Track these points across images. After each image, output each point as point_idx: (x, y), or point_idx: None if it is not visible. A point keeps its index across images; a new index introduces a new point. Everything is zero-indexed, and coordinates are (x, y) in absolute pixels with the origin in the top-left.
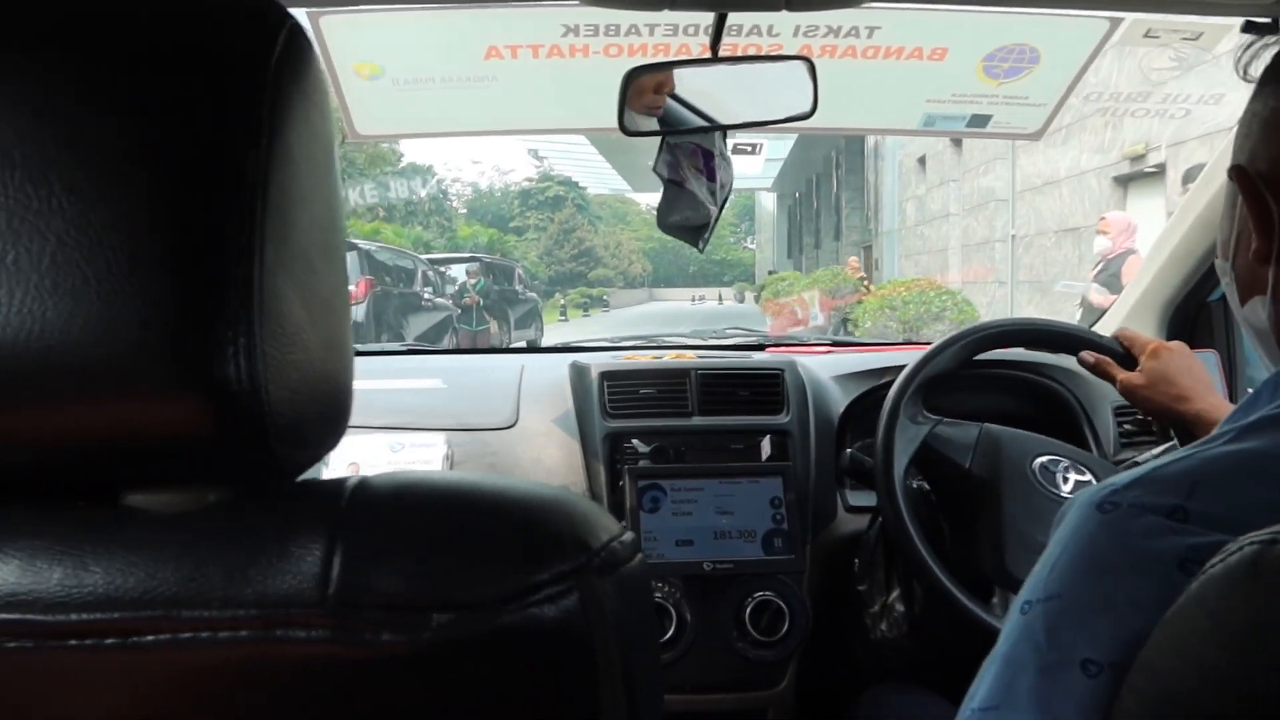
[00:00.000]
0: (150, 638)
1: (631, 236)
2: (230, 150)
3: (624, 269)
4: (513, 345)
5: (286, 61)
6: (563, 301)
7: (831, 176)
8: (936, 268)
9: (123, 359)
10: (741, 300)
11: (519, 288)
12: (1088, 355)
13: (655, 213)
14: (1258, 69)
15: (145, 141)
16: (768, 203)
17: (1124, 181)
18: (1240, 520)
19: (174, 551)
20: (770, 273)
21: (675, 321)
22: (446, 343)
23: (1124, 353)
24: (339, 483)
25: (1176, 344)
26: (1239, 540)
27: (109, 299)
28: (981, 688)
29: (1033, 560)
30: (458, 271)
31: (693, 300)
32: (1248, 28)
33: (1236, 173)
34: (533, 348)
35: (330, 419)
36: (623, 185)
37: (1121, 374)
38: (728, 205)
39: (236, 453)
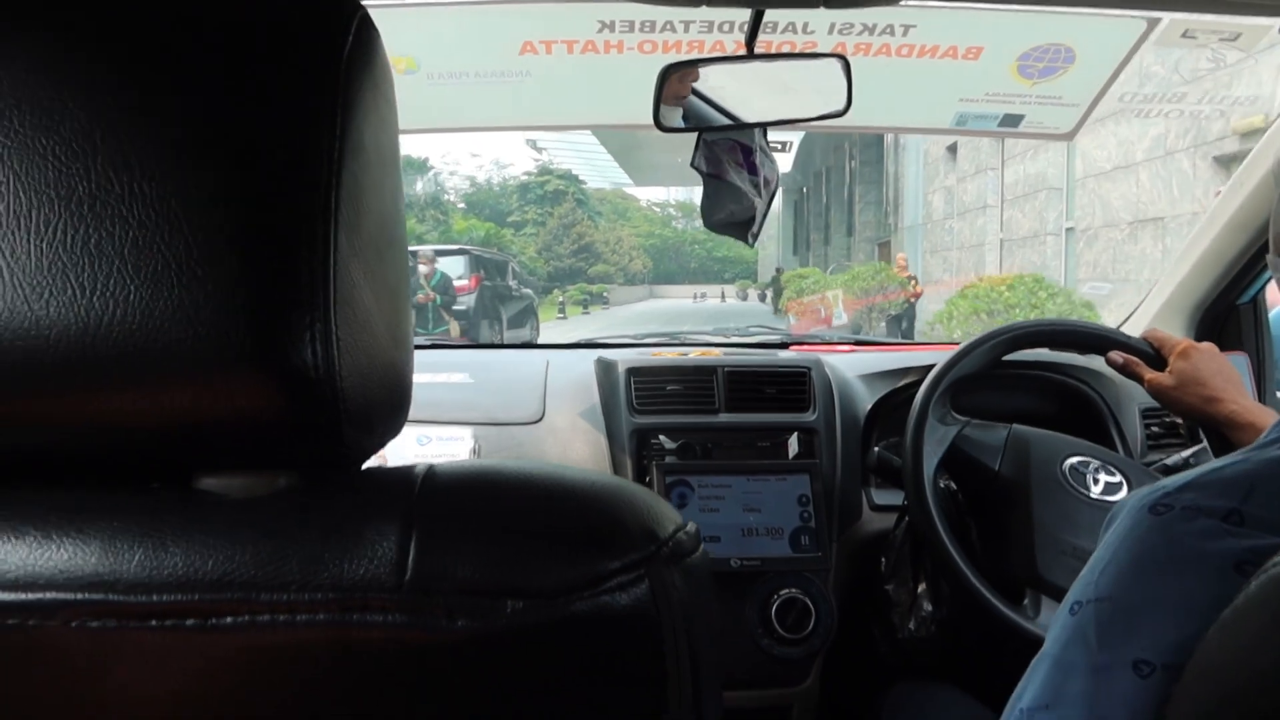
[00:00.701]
0: (229, 619)
1: (632, 232)
2: (306, 138)
3: (624, 265)
4: (537, 341)
5: (358, 51)
6: (561, 298)
7: (844, 169)
8: (970, 265)
9: (202, 342)
10: (745, 298)
11: (513, 283)
12: (1116, 355)
13: (656, 208)
14: None
15: (223, 129)
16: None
17: (1227, 162)
18: None
19: (251, 535)
20: (778, 270)
21: (679, 320)
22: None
23: (1153, 353)
24: (408, 470)
25: (1206, 345)
26: None
27: (188, 283)
28: (1030, 687)
29: (1064, 562)
30: (446, 265)
31: (694, 298)
32: None
33: None
34: (557, 344)
35: (395, 405)
36: (624, 179)
37: (1150, 374)
38: None
39: (309, 436)
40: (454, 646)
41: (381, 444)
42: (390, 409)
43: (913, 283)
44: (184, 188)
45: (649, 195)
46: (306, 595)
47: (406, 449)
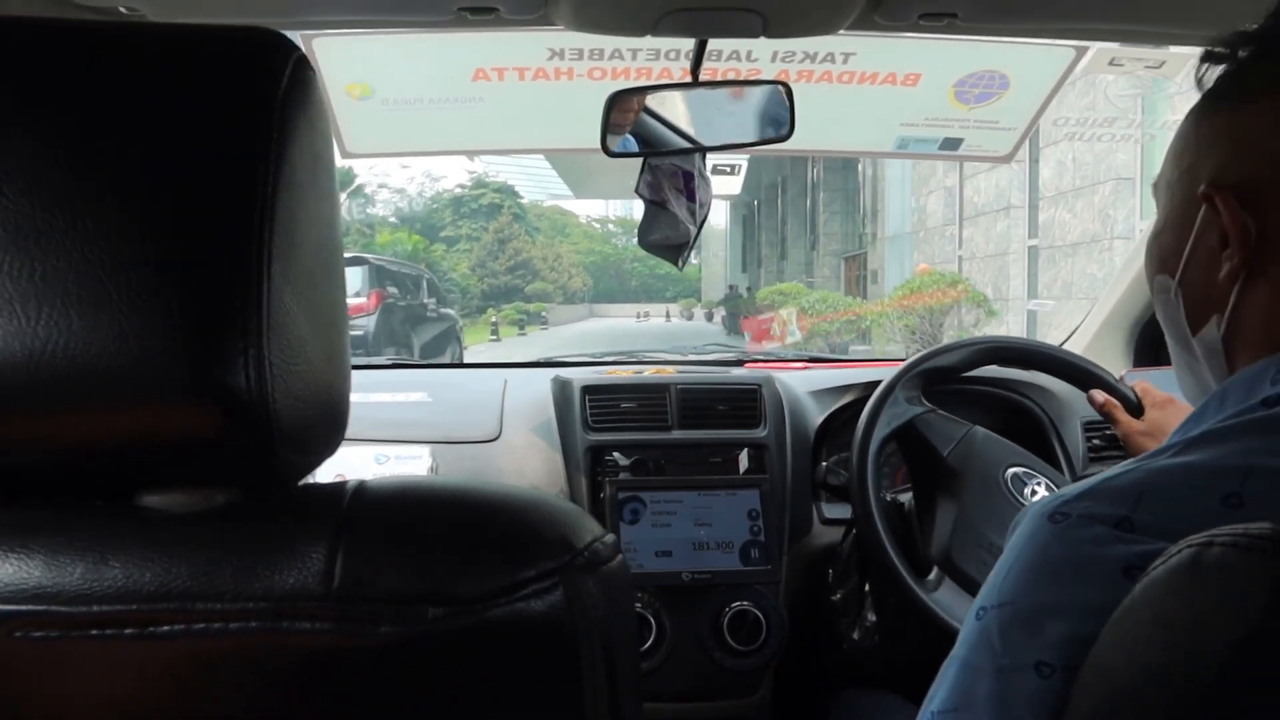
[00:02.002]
0: (166, 628)
1: (571, 249)
2: (241, 175)
3: (563, 283)
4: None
5: (293, 91)
6: (494, 318)
7: (803, 179)
8: (989, 278)
9: (141, 368)
10: (690, 317)
11: (428, 301)
12: (1098, 394)
13: (596, 224)
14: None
15: (163, 166)
16: (717, 213)
17: None
18: (1182, 529)
19: (188, 549)
20: (731, 288)
21: (623, 342)
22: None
23: (1135, 401)
24: (339, 486)
25: (1185, 404)
26: (1178, 544)
27: (128, 312)
28: (940, 691)
29: (977, 554)
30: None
31: (638, 317)
32: (1208, 56)
33: (1213, 190)
34: (515, 363)
35: (330, 426)
36: (564, 191)
37: (1125, 419)
38: None
39: (244, 456)
40: (379, 652)
41: (318, 463)
42: (325, 429)
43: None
44: (125, 223)
45: (589, 211)
46: (239, 604)
47: (365, 468)
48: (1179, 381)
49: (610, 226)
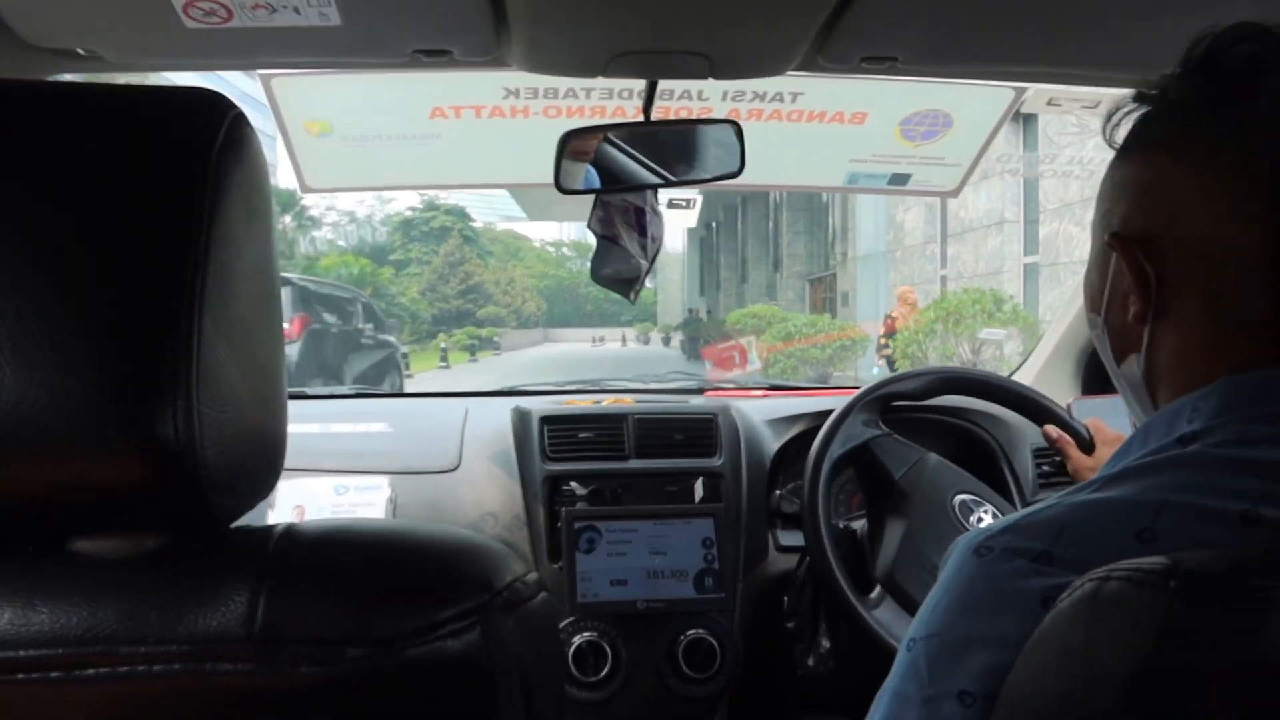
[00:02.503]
0: (91, 671)
1: (525, 273)
2: (173, 231)
3: (517, 307)
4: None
5: (228, 150)
6: (444, 344)
7: (764, 198)
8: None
9: (73, 419)
10: (646, 342)
11: (364, 327)
12: (1051, 430)
13: (550, 248)
14: (1121, 135)
15: (97, 224)
16: (674, 236)
17: None
18: (1097, 562)
19: (116, 593)
20: (690, 312)
21: (579, 368)
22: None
23: (1087, 438)
24: (268, 529)
25: None
26: (1082, 577)
27: (62, 366)
28: (874, 719)
29: (920, 575)
30: None
31: (593, 342)
32: (1138, 97)
33: (1115, 240)
34: (477, 392)
35: (263, 470)
36: (517, 213)
37: (1076, 455)
38: None
39: (173, 502)
40: (300, 692)
41: (250, 505)
42: (257, 473)
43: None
44: (60, 279)
45: (542, 234)
46: (163, 647)
47: (325, 499)
48: (1127, 408)
49: (565, 250)
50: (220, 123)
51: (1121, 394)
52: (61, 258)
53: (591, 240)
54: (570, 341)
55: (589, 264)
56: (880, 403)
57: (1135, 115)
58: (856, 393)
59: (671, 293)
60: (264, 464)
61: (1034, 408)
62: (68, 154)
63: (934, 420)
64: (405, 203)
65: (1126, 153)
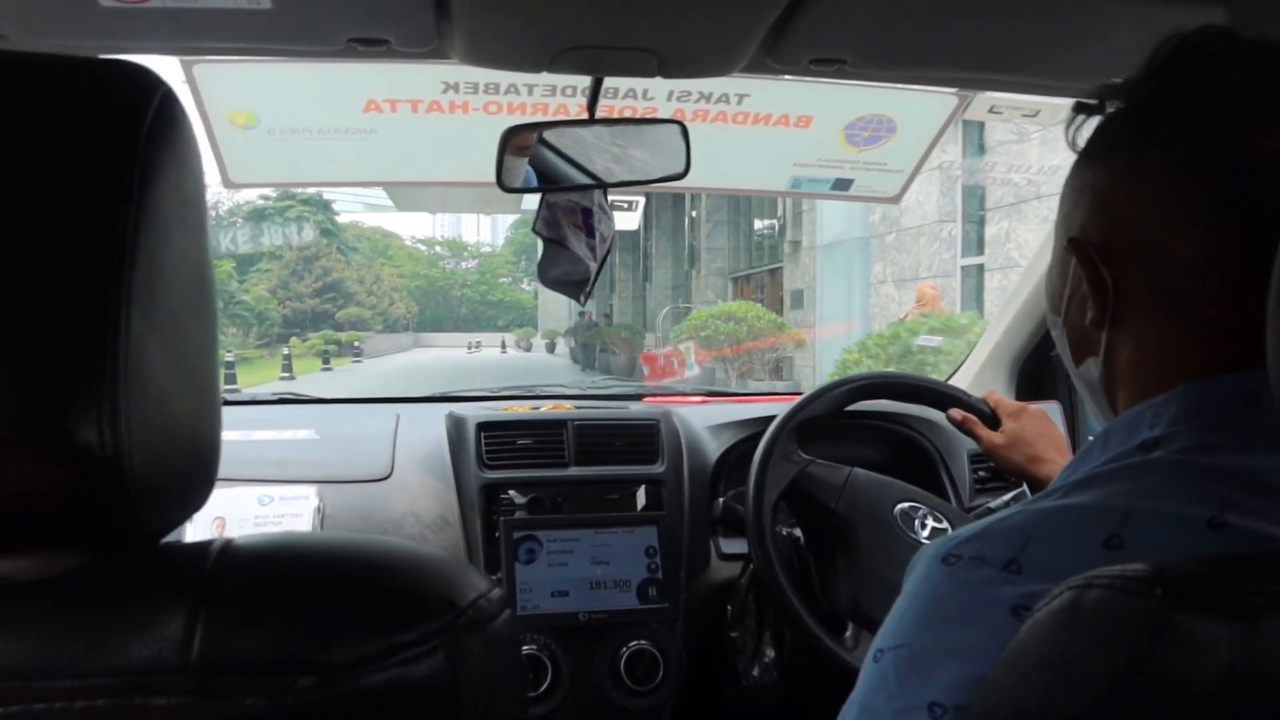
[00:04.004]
0: (3, 709)
1: (394, 271)
2: (97, 217)
3: (383, 309)
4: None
5: (158, 128)
6: (286, 350)
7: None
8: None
9: None
10: (528, 349)
11: None
12: (955, 413)
13: (421, 246)
14: (1083, 139)
15: (14, 208)
16: None
17: None
18: (1066, 570)
19: (30, 620)
20: (586, 316)
21: (453, 380)
22: None
23: (990, 413)
24: (204, 546)
25: (1037, 409)
26: (1060, 586)
27: None
28: None
29: (887, 600)
30: None
31: (469, 348)
32: (1078, 108)
33: (1074, 245)
34: (408, 398)
35: (197, 479)
36: (384, 202)
37: (984, 433)
38: (503, 240)
39: (97, 516)
40: None
41: (181, 518)
42: (190, 483)
43: None
44: None
45: (414, 230)
46: (85, 680)
47: (247, 509)
48: (1061, 413)
49: (438, 249)
50: (150, 99)
51: (1080, 394)
52: None
53: (467, 238)
54: (443, 347)
55: (466, 262)
56: (796, 432)
57: (1096, 119)
58: (772, 427)
59: (552, 295)
60: (197, 474)
61: (934, 395)
62: None
63: (870, 426)
64: (259, 190)
65: (1087, 156)
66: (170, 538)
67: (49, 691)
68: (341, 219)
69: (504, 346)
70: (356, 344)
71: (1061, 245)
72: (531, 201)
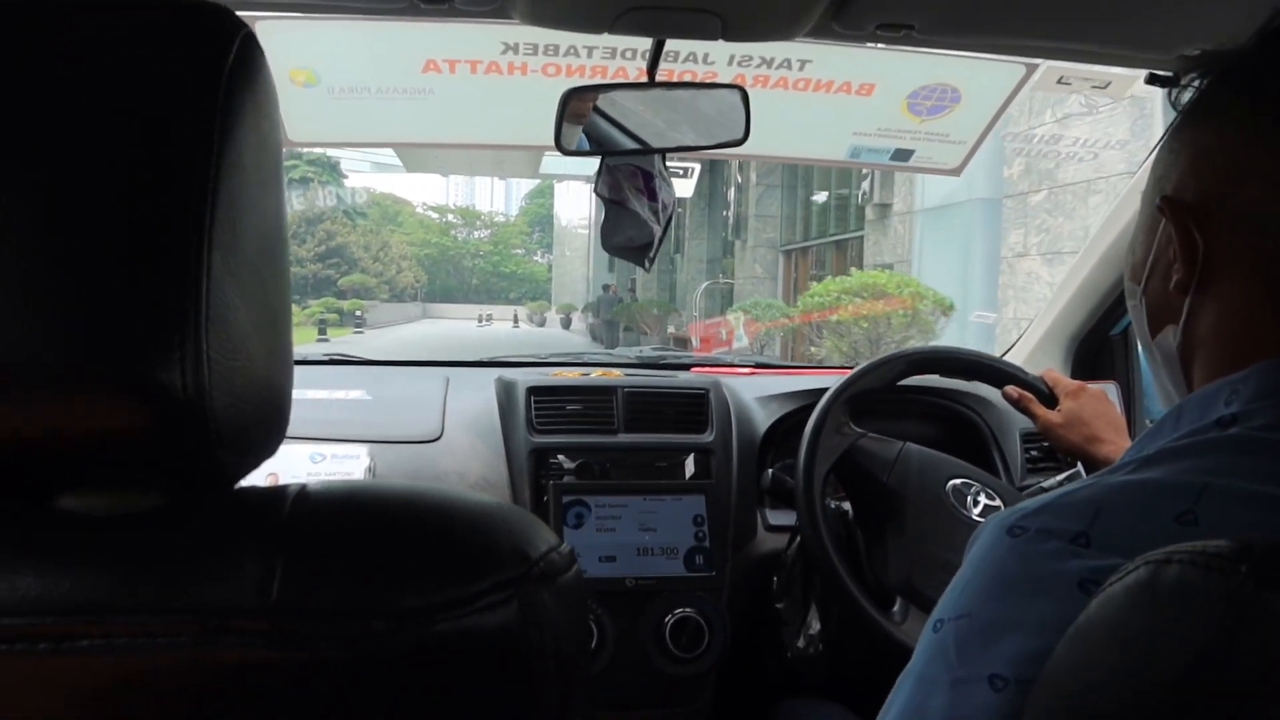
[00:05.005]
0: (84, 642)
1: (403, 239)
2: (181, 158)
3: (390, 277)
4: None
5: (239, 70)
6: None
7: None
8: None
9: (69, 360)
10: (542, 322)
11: None
12: (1012, 390)
13: (433, 214)
14: (1185, 99)
15: (98, 149)
16: (579, 199)
17: None
18: (1137, 545)
19: (110, 556)
20: (610, 290)
21: (462, 353)
22: None
23: (1048, 392)
24: (279, 490)
25: (1096, 388)
26: (1136, 560)
27: (55, 300)
28: (896, 702)
29: (936, 575)
30: None
31: (479, 321)
32: (1151, 80)
33: (1167, 204)
34: (457, 362)
35: (271, 426)
36: (393, 160)
37: (1042, 411)
38: (517, 210)
39: (176, 458)
40: (319, 668)
41: (257, 464)
42: (266, 430)
43: None
44: (59, 210)
45: (425, 197)
46: (166, 617)
47: (300, 467)
48: (1154, 385)
49: (450, 217)
50: (231, 40)
51: (1152, 368)
52: (58, 182)
53: (480, 206)
54: (452, 319)
55: (479, 231)
56: (850, 404)
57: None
58: (825, 399)
59: (569, 268)
60: (272, 421)
61: (990, 372)
62: (61, 66)
63: (919, 401)
64: None
65: (1188, 117)
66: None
67: (131, 626)
68: (349, 181)
69: (516, 320)
70: (359, 313)
71: (1148, 210)
72: (548, 167)
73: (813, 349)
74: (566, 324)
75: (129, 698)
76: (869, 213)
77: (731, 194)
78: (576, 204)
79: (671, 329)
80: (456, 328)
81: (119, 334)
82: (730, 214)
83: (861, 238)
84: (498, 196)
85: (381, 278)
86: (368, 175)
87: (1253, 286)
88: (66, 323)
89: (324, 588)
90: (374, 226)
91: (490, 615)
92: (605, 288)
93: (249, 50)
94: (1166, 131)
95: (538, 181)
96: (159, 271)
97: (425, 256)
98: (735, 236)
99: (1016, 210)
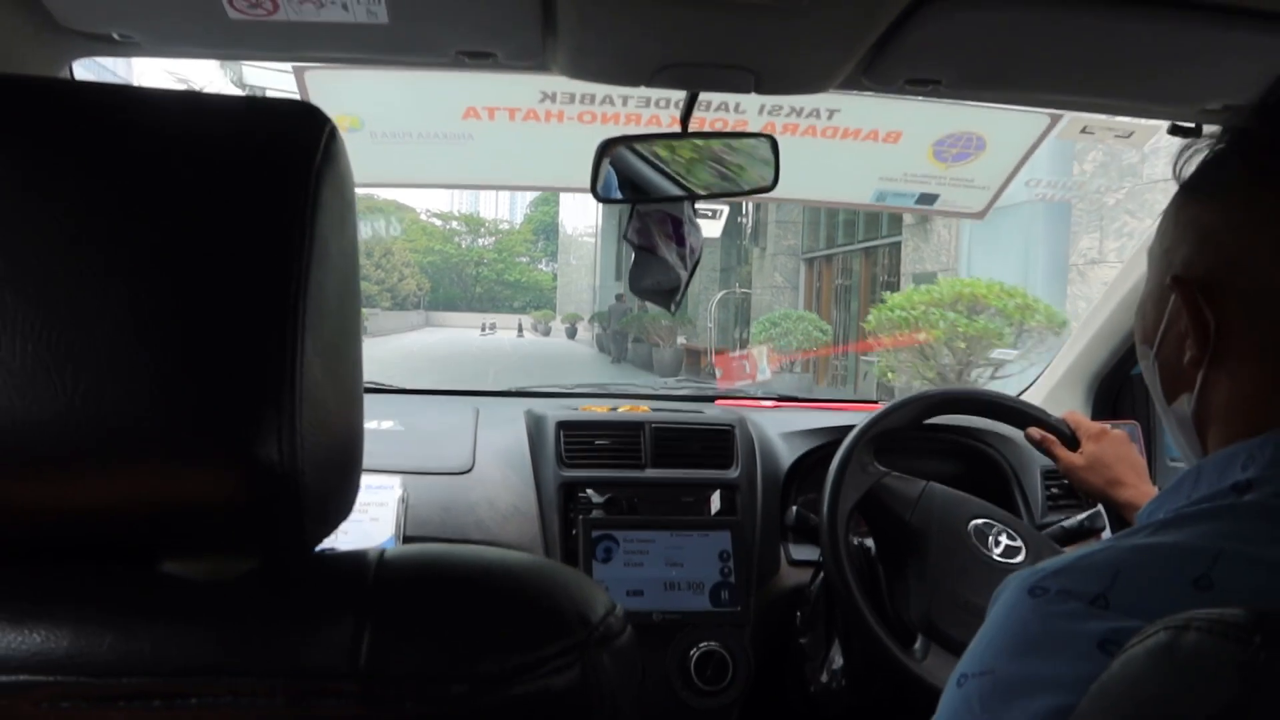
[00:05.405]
0: (194, 700)
1: (406, 246)
2: (276, 247)
3: (392, 285)
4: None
5: (326, 163)
6: None
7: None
8: None
9: (175, 435)
10: (547, 332)
11: None
12: (1035, 431)
13: (437, 220)
14: (1189, 172)
15: (200, 237)
16: (585, 210)
17: None
18: (1154, 608)
19: (215, 619)
20: (622, 300)
21: (462, 364)
22: None
23: (1070, 434)
24: (361, 555)
25: (1118, 432)
26: (1156, 625)
27: (165, 380)
28: None
29: (956, 614)
30: None
31: (482, 330)
32: (1174, 130)
33: (1176, 283)
34: (485, 391)
35: (349, 490)
36: None
37: (1064, 453)
38: (521, 218)
39: (270, 526)
40: None
41: (335, 527)
42: (344, 497)
43: None
44: (161, 293)
45: (429, 204)
46: (266, 680)
47: None
48: (1172, 439)
49: (454, 224)
50: (319, 135)
51: (1169, 430)
52: (162, 270)
53: (484, 214)
54: (455, 327)
55: (484, 239)
56: (874, 442)
57: (1204, 153)
58: (850, 437)
59: (576, 277)
60: (349, 485)
61: (1012, 413)
62: (167, 163)
63: (941, 439)
64: None
65: (1193, 191)
66: None
67: (235, 687)
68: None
69: (520, 330)
70: (363, 322)
71: (1161, 280)
72: (552, 179)
73: (889, 376)
74: (572, 334)
75: None
76: (908, 216)
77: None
78: (582, 212)
79: (683, 339)
80: (459, 337)
81: (225, 411)
82: (748, 220)
83: (893, 244)
84: (502, 204)
85: (383, 285)
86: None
87: (1266, 362)
88: (178, 399)
89: (408, 653)
90: (376, 234)
91: (557, 678)
92: (618, 297)
93: (334, 144)
94: (1172, 203)
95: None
96: (259, 355)
97: (429, 264)
98: (753, 243)
99: (1089, 211)
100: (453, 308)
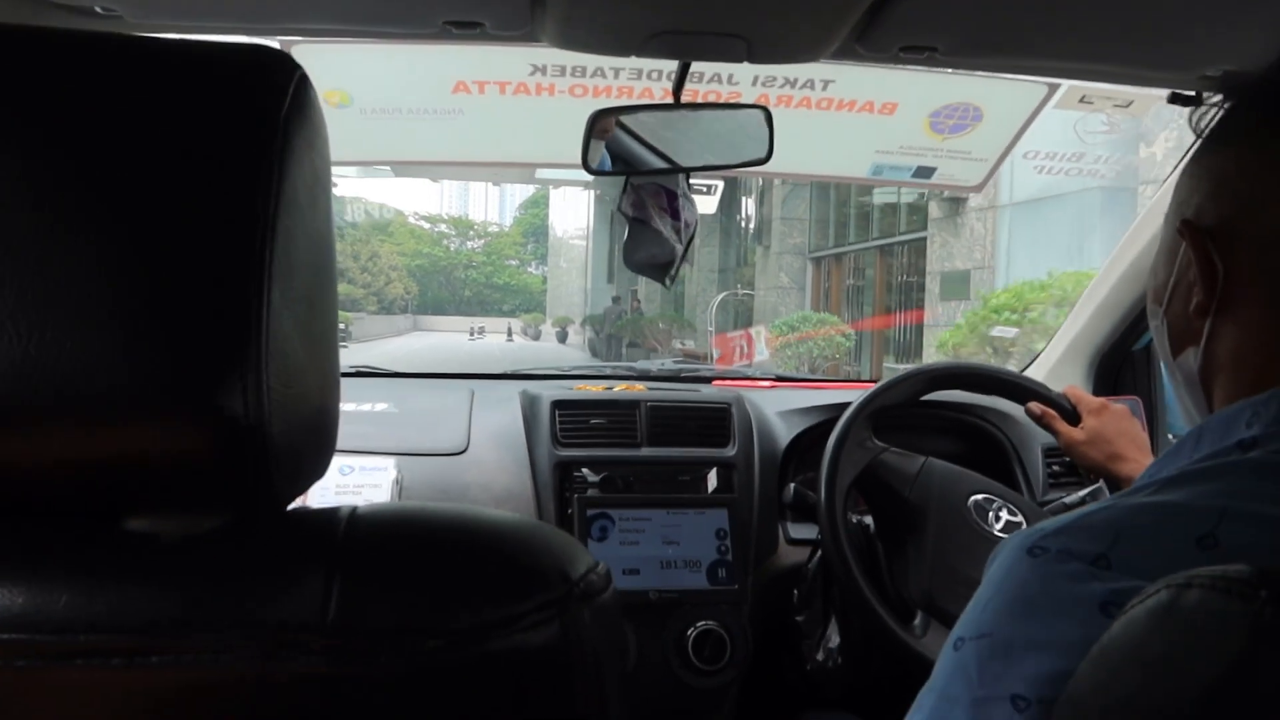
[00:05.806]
0: (155, 658)
1: (393, 249)
2: (242, 195)
3: (379, 288)
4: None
5: (295, 111)
6: None
7: None
8: None
9: (136, 388)
10: (537, 336)
11: None
12: (1035, 406)
13: (425, 223)
14: (1207, 123)
15: (163, 184)
16: (576, 207)
17: None
18: (1157, 568)
19: (179, 576)
20: (619, 301)
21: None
22: None
23: (1070, 409)
24: (333, 512)
25: (1119, 406)
26: (1157, 584)
27: (126, 332)
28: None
29: (957, 589)
30: None
31: (471, 334)
32: (1173, 99)
33: (1186, 228)
34: (481, 374)
35: (322, 450)
36: (381, 165)
37: (1064, 428)
38: (511, 220)
39: (238, 482)
40: (376, 684)
41: (307, 486)
42: (317, 454)
43: None
44: (123, 242)
45: (417, 207)
46: (234, 634)
47: (330, 478)
48: (1176, 403)
49: (442, 227)
50: (288, 82)
51: (1173, 387)
52: (125, 218)
53: (473, 215)
54: (444, 331)
55: (472, 242)
56: (871, 419)
57: (1222, 108)
58: (847, 413)
59: (566, 279)
60: (323, 444)
61: (1013, 388)
62: (130, 110)
63: (941, 416)
64: None
65: (1209, 142)
66: None
67: (201, 643)
68: (338, 190)
69: (510, 333)
70: (343, 326)
71: (1169, 233)
72: (544, 172)
73: None
74: (563, 338)
75: (196, 711)
76: (934, 209)
77: (751, 197)
78: (573, 214)
79: (679, 344)
80: (447, 341)
81: (188, 365)
82: (751, 219)
83: (914, 241)
84: (491, 206)
85: (370, 289)
86: (354, 180)
87: (1272, 310)
88: (139, 349)
89: (380, 608)
90: (362, 236)
91: (536, 634)
92: (615, 300)
93: (303, 91)
94: (1186, 154)
95: (532, 191)
96: (224, 306)
97: (416, 267)
98: (756, 243)
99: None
100: (441, 311)
